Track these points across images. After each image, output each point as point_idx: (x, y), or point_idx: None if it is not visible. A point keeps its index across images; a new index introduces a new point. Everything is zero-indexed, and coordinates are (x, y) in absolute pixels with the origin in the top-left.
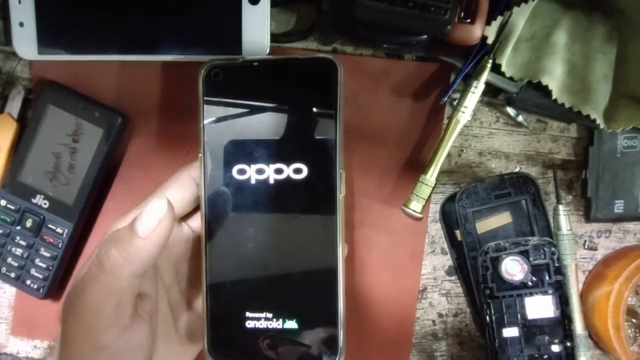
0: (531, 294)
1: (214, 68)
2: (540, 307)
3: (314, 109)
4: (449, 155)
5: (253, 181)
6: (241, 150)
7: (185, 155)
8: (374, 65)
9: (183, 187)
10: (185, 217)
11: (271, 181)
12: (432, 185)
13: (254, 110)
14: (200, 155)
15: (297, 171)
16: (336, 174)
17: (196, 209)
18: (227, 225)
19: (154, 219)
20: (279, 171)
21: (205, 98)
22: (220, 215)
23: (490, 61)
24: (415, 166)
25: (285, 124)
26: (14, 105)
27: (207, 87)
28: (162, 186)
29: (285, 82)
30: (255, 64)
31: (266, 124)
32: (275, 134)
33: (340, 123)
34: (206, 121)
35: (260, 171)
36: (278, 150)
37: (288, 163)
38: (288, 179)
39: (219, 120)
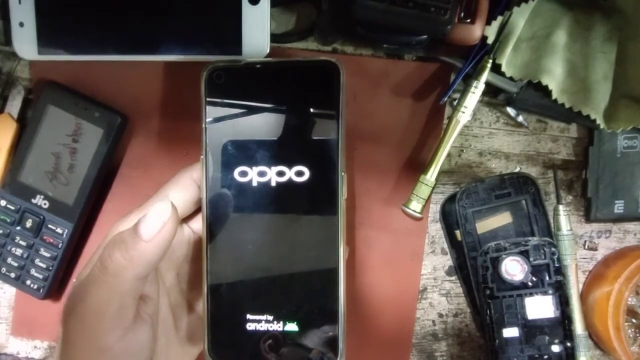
0: (531, 294)
1: (216, 70)
2: (540, 307)
3: (317, 111)
4: (449, 155)
5: (255, 183)
6: (243, 152)
7: (185, 156)
8: (374, 65)
9: (184, 189)
10: (186, 219)
11: (273, 183)
12: (432, 185)
13: (256, 112)
14: (202, 156)
15: (299, 174)
16: (338, 176)
17: (197, 210)
18: (228, 227)
19: (158, 222)
20: (280, 173)
21: (207, 100)
22: (222, 217)
23: (490, 61)
24: (415, 166)
25: (287, 126)
26: (14, 105)
27: (209, 88)
28: (164, 187)
29: (287, 84)
30: (258, 65)
31: (268, 125)
32: (277, 135)
33: (342, 126)
34: (208, 123)
35: (262, 173)
36: (280, 153)
37: (290, 165)
38: (290, 181)
39: (221, 121)
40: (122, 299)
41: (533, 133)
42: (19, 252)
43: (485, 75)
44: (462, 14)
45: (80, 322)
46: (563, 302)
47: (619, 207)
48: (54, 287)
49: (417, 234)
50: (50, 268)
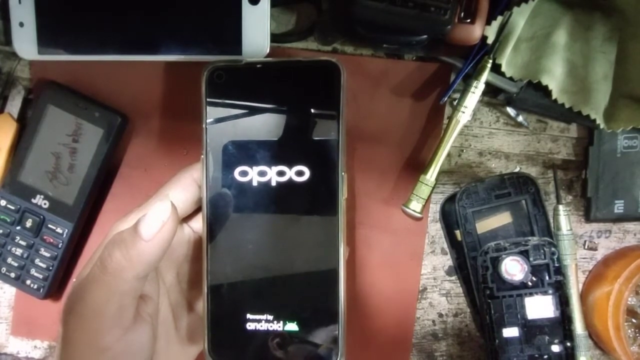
0: (531, 294)
1: (217, 70)
2: (540, 307)
3: (317, 111)
4: (449, 155)
5: (255, 183)
6: (243, 152)
7: (185, 155)
8: (374, 65)
9: (185, 189)
10: (186, 219)
11: (273, 183)
12: (432, 185)
13: (256, 112)
14: (202, 156)
15: (299, 173)
16: (338, 176)
17: (198, 210)
18: (228, 227)
19: (158, 221)
20: (281, 173)
21: (207, 99)
22: (222, 217)
23: (490, 61)
24: (415, 166)
25: (287, 126)
26: (14, 105)
27: (209, 88)
28: (164, 187)
29: (287, 84)
30: (258, 65)
31: (268, 125)
32: (278, 135)
33: (343, 125)
34: (209, 122)
35: (262, 173)
36: (280, 152)
37: (290, 165)
38: (290, 181)
39: (222, 121)
40: (122, 299)
41: (533, 133)
42: (19, 252)
43: (485, 75)
44: (462, 14)
45: (79, 322)
46: (563, 302)
47: (618, 207)
48: (54, 287)
49: (417, 234)
50: (50, 268)
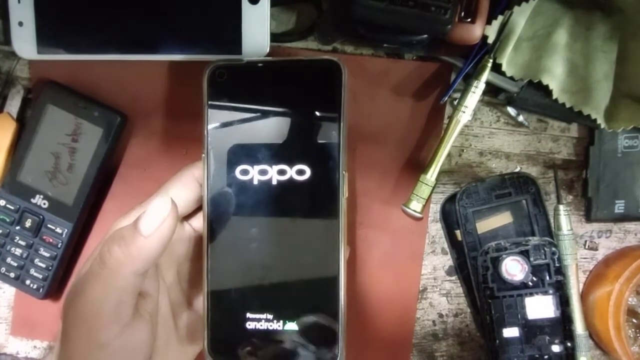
0: (531, 294)
1: (219, 69)
2: (540, 307)
3: (318, 110)
4: (449, 155)
5: (256, 182)
6: (244, 151)
7: (184, 155)
8: (374, 65)
9: (186, 187)
10: (187, 217)
11: (274, 182)
12: (432, 185)
13: (257, 111)
14: (203, 155)
15: (300, 172)
16: (339, 175)
17: (198, 208)
18: (229, 226)
19: (158, 217)
20: (281, 172)
21: (209, 98)
22: (223, 216)
23: (491, 61)
24: (415, 166)
25: (288, 125)
26: (14, 104)
27: (211, 87)
28: (165, 185)
29: (289, 83)
30: (260, 64)
31: (269, 124)
32: (279, 134)
33: (344, 124)
34: (210, 121)
35: (263, 172)
36: (281, 151)
37: (291, 164)
38: (291, 180)
39: (223, 120)
40: (121, 295)
41: (533, 133)
42: (18, 252)
43: (486, 75)
44: (463, 14)
45: (78, 317)
46: (563, 302)
47: (619, 207)
48: (54, 287)
49: (417, 234)
50: (50, 268)
